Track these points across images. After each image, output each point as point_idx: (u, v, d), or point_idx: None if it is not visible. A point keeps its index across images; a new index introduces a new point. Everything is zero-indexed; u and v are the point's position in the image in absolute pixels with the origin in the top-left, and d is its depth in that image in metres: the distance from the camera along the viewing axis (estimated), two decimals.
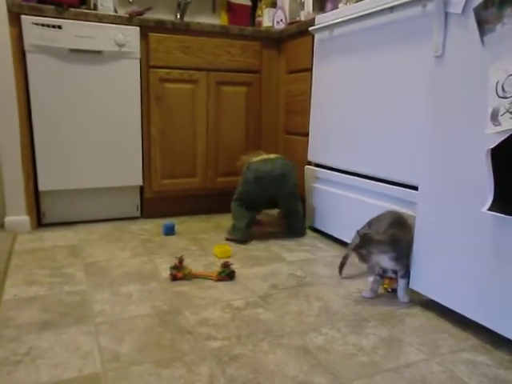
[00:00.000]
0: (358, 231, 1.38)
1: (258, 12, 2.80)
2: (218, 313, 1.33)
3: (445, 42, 1.16)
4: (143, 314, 1.31)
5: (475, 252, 1.16)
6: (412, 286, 1.39)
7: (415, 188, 1.47)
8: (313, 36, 2.11)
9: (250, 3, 2.90)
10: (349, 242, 1.88)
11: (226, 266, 1.58)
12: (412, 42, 1.50)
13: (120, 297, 1.42)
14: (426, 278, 1.33)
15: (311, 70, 2.15)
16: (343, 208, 1.92)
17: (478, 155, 1.11)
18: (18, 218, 2.08)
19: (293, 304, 1.40)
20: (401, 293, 1.41)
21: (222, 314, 1.32)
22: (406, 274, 1.40)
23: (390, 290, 1.48)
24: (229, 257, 1.81)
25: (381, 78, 1.66)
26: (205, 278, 1.58)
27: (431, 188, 1.28)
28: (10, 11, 1.93)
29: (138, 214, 2.40)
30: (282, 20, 2.54)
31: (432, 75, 1.24)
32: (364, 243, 1.33)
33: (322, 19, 1.98)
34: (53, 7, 2.01)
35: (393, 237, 1.35)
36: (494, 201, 1.06)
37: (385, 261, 1.36)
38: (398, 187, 1.59)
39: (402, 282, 1.41)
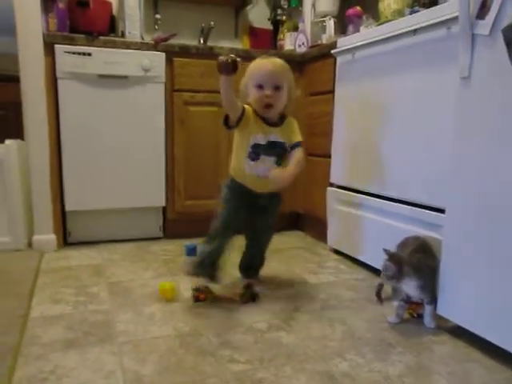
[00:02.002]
0: (385, 250, 1.37)
1: (280, 36, 2.85)
2: (240, 335, 1.32)
3: (472, 64, 1.15)
4: (165, 335, 1.31)
5: (507, 277, 1.12)
6: (439, 311, 1.35)
7: (442, 211, 1.44)
8: (335, 59, 2.13)
9: (271, 27, 2.97)
10: (372, 264, 1.85)
11: (248, 287, 1.57)
12: (437, 64, 1.49)
13: (143, 317, 1.43)
14: (455, 303, 1.29)
15: (333, 92, 2.17)
16: (367, 230, 1.90)
17: (510, 181, 1.09)
18: (46, 236, 2.13)
19: (316, 327, 1.38)
20: (427, 319, 1.38)
21: (244, 336, 1.31)
22: (433, 301, 1.36)
23: (415, 315, 1.44)
24: (172, 298, 1.56)
25: (405, 99, 1.65)
26: (227, 299, 1.57)
27: (459, 211, 1.26)
28: (45, 41, 2.02)
29: (161, 234, 2.42)
30: (303, 43, 2.58)
31: (459, 97, 1.23)
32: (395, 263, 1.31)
33: (344, 42, 2.01)
34: (83, 36, 2.10)
35: (418, 264, 1.33)
36: None
37: (410, 289, 1.33)
38: (423, 210, 1.57)
39: (428, 308, 1.37)
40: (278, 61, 1.57)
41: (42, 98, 2.04)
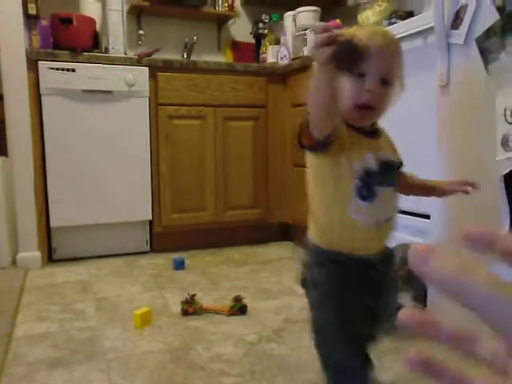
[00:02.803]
0: None
1: (262, 49, 2.89)
2: (230, 348, 1.30)
3: (449, 72, 1.19)
4: (155, 350, 1.29)
5: None
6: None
7: (427, 216, 1.46)
8: None
9: (254, 41, 3.01)
10: None
11: (237, 300, 1.56)
12: (416, 73, 1.53)
13: (131, 332, 1.41)
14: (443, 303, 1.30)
15: None
16: None
17: (492, 181, 1.11)
18: (30, 254, 2.09)
19: (307, 338, 1.36)
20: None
21: (234, 349, 1.30)
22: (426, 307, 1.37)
23: None
24: (141, 325, 1.44)
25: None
26: (216, 312, 1.56)
27: (444, 215, 1.28)
28: (28, 58, 2.02)
29: (148, 248, 2.40)
30: (285, 56, 2.62)
31: (439, 104, 1.26)
32: None
33: None
34: (67, 52, 2.10)
35: (408, 276, 1.33)
36: (511, 226, 1.05)
37: (404, 301, 1.34)
38: (408, 216, 1.59)
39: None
40: (391, 34, 0.91)
41: (26, 115, 2.02)
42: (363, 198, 0.84)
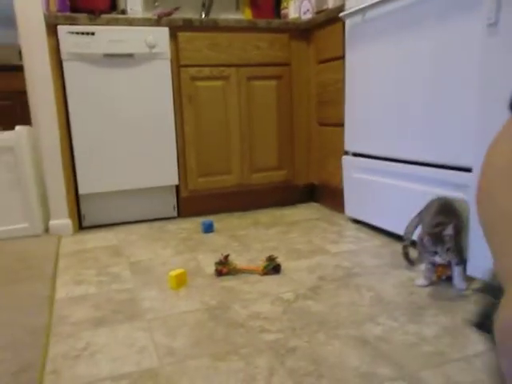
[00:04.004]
0: (407, 227, 1.33)
1: (284, 4, 2.77)
2: (268, 306, 1.31)
3: (499, 7, 1.10)
4: (193, 310, 1.30)
5: None
6: (469, 272, 1.33)
7: (467, 170, 1.41)
8: (343, 22, 2.07)
9: None
10: (393, 230, 1.83)
11: (271, 259, 1.56)
12: (456, 15, 1.43)
13: (168, 294, 1.42)
14: (486, 263, 1.27)
15: (343, 57, 2.11)
16: (386, 196, 1.87)
17: None
18: (61, 221, 2.12)
19: (343, 295, 1.36)
20: (457, 280, 1.36)
21: (272, 307, 1.30)
22: (461, 261, 1.34)
23: (444, 277, 1.42)
24: (177, 287, 1.46)
25: (423, 56, 1.60)
26: (250, 272, 1.56)
27: None
28: (46, 23, 1.97)
29: (175, 213, 2.41)
30: (308, 10, 2.50)
31: (485, 47, 1.18)
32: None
33: (353, 3, 1.94)
34: (85, 15, 2.04)
35: (439, 230, 1.29)
36: None
37: (435, 257, 1.31)
38: (446, 170, 1.53)
39: (457, 269, 1.35)
40: None
41: (49, 82, 2.00)
42: None
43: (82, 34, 2.03)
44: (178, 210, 2.42)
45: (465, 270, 1.35)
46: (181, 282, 1.47)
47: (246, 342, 1.11)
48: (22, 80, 2.06)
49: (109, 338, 1.15)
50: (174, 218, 2.41)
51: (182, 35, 2.20)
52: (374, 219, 1.98)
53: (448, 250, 1.28)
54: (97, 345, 1.12)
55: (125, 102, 2.16)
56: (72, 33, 2.01)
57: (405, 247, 1.53)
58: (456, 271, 1.35)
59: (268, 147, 2.45)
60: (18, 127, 2.03)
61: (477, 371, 0.96)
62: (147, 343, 1.13)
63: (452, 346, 1.06)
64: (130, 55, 2.13)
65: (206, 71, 2.27)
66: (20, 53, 2.05)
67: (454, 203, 1.40)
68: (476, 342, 1.07)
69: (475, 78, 1.24)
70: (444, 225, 1.27)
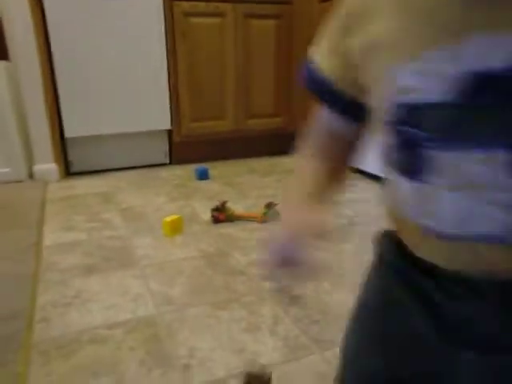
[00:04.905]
0: None
1: None
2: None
3: None
4: (190, 257, 1.24)
5: None
6: None
7: None
8: None
9: None
10: None
11: (270, 206, 1.49)
12: None
13: (162, 241, 1.35)
14: None
15: None
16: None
17: None
18: (47, 166, 2.01)
19: (348, 243, 1.31)
20: None
21: None
22: None
23: None
24: (172, 233, 1.38)
25: None
26: (249, 219, 1.49)
27: None
28: None
29: (167, 160, 2.30)
30: None
31: None
32: None
33: None
34: None
35: None
36: None
37: None
38: None
39: None
40: None
41: (26, 9, 1.81)
42: (408, 171, 0.34)
43: None
44: (170, 156, 2.31)
45: None
46: (176, 228, 1.40)
47: (248, 290, 1.06)
48: None
49: (101, 286, 1.08)
50: (166, 164, 2.30)
51: None
52: (375, 168, 1.90)
53: None
54: (88, 292, 1.05)
55: (113, 38, 1.98)
56: None
57: None
58: None
59: (264, 92, 2.32)
60: None
61: None
62: (142, 291, 1.06)
63: None
64: None
65: (201, 6, 2.09)
66: None
67: None
68: None
69: None
70: None
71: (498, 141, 0.28)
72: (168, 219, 1.38)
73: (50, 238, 1.38)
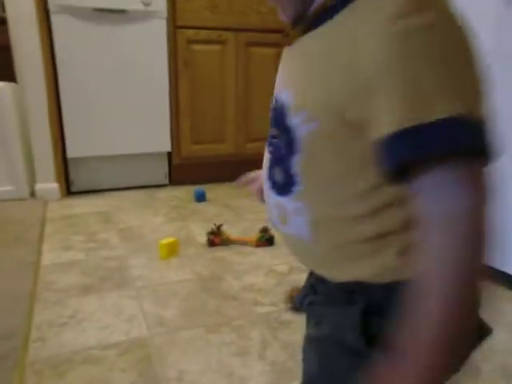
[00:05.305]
0: None
1: None
2: (261, 278, 1.28)
3: None
4: (184, 280, 1.27)
5: None
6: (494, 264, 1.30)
7: None
8: None
9: None
10: None
11: (264, 230, 1.52)
12: None
13: (158, 262, 1.38)
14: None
15: None
16: None
17: None
18: (48, 185, 2.05)
19: None
20: None
21: (266, 279, 1.27)
22: None
23: None
24: (168, 256, 1.40)
25: None
26: (243, 243, 1.53)
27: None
28: None
29: (167, 181, 2.35)
30: None
31: (501, 20, 1.12)
32: None
33: None
34: None
35: None
36: None
37: None
38: None
39: None
40: None
41: (35, 34, 1.88)
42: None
43: None
44: (169, 177, 2.35)
45: None
46: (172, 251, 1.43)
47: (239, 315, 1.08)
48: (6, 34, 1.93)
49: (96, 306, 1.11)
50: (165, 185, 2.34)
51: None
52: None
53: None
54: (84, 312, 1.08)
55: (116, 62, 2.05)
56: None
57: None
58: None
59: (265, 117, 2.37)
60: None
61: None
62: (136, 312, 1.09)
63: None
64: (123, 11, 2.01)
65: (204, 34, 2.17)
66: (3, 3, 1.92)
67: None
68: None
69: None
70: None
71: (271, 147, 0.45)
72: (164, 242, 1.42)
73: (48, 257, 1.41)
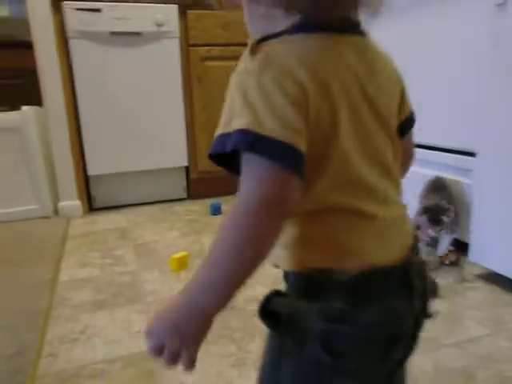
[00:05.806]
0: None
1: None
2: (266, 289, 1.29)
3: None
4: None
5: None
6: (473, 258, 1.29)
7: (470, 154, 1.35)
8: None
9: None
10: None
11: None
12: None
13: (169, 276, 1.43)
14: (489, 249, 1.23)
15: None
16: None
17: None
18: (71, 203, 2.14)
19: None
20: (442, 248, 1.35)
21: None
22: (451, 230, 1.34)
23: (447, 262, 1.38)
24: (178, 269, 1.47)
25: (429, 37, 1.52)
26: None
27: (493, 154, 1.17)
28: None
29: (185, 195, 2.41)
30: None
31: (493, 27, 1.11)
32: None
33: None
34: None
35: (429, 209, 1.31)
36: None
37: (428, 232, 1.32)
38: (449, 154, 1.48)
39: (446, 238, 1.35)
40: None
41: (55, 60, 1.99)
42: None
43: (88, 10, 2.00)
44: (187, 191, 2.42)
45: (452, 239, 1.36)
46: (182, 264, 1.47)
47: (240, 326, 1.11)
48: (32, 57, 2.05)
49: (107, 321, 1.16)
50: (183, 199, 2.40)
51: (191, 13, 2.16)
52: None
53: (441, 230, 1.29)
54: (95, 327, 1.13)
55: (133, 82, 2.14)
56: (78, 9, 1.98)
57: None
58: (445, 240, 1.36)
59: None
60: (24, 107, 2.04)
61: (469, 356, 0.94)
62: (144, 326, 1.13)
63: (445, 332, 1.04)
64: (138, 33, 2.09)
65: (216, 51, 2.22)
66: None
67: (442, 179, 1.43)
68: (470, 328, 1.04)
69: (482, 60, 1.18)
70: (443, 209, 1.29)
71: None
72: (175, 256, 1.46)
73: (66, 273, 1.48)
